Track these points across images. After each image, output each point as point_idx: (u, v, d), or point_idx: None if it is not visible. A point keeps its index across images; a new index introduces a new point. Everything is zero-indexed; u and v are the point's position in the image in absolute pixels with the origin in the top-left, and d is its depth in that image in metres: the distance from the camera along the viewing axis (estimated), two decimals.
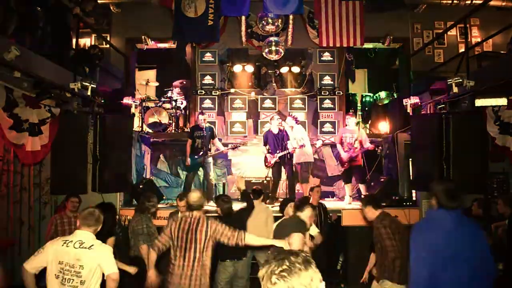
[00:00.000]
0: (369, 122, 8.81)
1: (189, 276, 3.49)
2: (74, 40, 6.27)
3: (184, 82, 8.95)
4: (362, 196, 5.74)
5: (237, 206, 5.54)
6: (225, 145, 7.69)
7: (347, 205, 6.89)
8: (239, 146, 7.56)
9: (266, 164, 7.19)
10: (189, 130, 7.46)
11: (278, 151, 6.98)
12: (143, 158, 7.60)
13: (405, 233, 3.67)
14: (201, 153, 6.89)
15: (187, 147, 7.02)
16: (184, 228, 3.58)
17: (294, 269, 1.35)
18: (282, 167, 7.13)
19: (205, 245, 3.53)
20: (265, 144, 7.23)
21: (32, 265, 3.05)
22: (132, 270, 4.13)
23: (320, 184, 6.25)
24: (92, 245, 3.02)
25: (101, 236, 4.29)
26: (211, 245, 3.58)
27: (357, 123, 8.66)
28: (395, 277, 3.79)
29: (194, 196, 3.71)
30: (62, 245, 3.01)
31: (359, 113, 8.83)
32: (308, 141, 7.17)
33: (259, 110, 8.56)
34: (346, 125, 7.35)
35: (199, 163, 6.99)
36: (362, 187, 7.06)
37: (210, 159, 7.06)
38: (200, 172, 7.47)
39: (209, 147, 7.05)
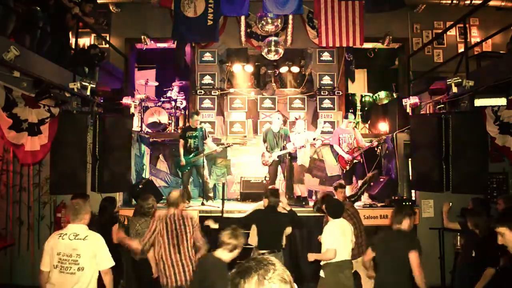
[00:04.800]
0: (369, 122, 8.82)
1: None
2: (73, 40, 6.26)
3: (184, 82, 8.95)
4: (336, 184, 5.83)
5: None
6: (219, 145, 7.70)
7: None
8: (232, 145, 7.57)
9: (263, 162, 7.15)
10: (181, 131, 7.46)
11: (276, 150, 6.96)
12: (142, 158, 7.59)
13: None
14: (195, 153, 6.94)
15: (179, 147, 7.06)
16: (172, 226, 4.03)
17: None
18: (279, 167, 7.10)
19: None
20: (264, 141, 7.18)
21: (44, 265, 3.35)
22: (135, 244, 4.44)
23: (343, 184, 6.09)
24: (87, 236, 3.35)
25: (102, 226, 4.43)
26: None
27: (356, 124, 8.68)
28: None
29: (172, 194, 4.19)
30: (58, 238, 3.33)
31: (358, 113, 8.83)
32: (309, 148, 7.15)
33: (258, 110, 8.56)
34: (341, 125, 7.37)
35: (192, 163, 7.01)
36: (360, 184, 7.07)
37: (201, 159, 7.05)
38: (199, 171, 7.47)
39: (203, 147, 7.09)
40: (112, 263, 3.43)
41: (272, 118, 7.34)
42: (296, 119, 7.59)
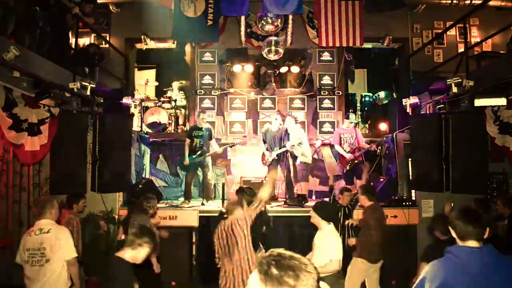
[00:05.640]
0: (369, 122, 8.81)
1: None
2: (73, 40, 6.26)
3: (183, 82, 8.95)
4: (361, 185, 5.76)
5: None
6: (222, 145, 7.72)
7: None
8: (235, 145, 7.59)
9: (264, 161, 7.20)
10: (188, 130, 7.46)
11: (276, 149, 6.98)
12: (142, 158, 7.59)
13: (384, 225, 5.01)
14: (199, 153, 6.92)
15: (185, 146, 7.05)
16: (222, 235, 3.82)
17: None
18: (279, 166, 7.13)
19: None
20: (264, 142, 7.23)
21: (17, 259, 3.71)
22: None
23: (349, 188, 6.20)
24: (50, 229, 3.62)
25: None
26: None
27: (356, 124, 8.68)
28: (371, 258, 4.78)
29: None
30: (27, 236, 3.64)
31: (358, 113, 8.83)
32: (307, 142, 7.13)
33: (258, 110, 8.55)
34: (342, 125, 7.38)
35: (197, 163, 7.01)
36: (359, 183, 7.06)
37: (209, 159, 7.08)
38: (200, 172, 7.47)
39: (208, 147, 7.08)
40: (75, 254, 3.66)
41: (270, 118, 7.37)
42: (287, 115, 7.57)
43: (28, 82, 4.75)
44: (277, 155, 6.97)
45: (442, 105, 6.09)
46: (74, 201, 5.11)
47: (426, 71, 7.55)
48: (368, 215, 4.93)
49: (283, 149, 6.89)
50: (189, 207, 6.76)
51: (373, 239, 4.79)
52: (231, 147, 7.51)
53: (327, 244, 3.91)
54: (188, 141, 7.06)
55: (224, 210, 3.98)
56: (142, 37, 8.15)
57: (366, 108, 8.84)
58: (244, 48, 8.51)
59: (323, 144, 8.14)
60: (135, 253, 3.04)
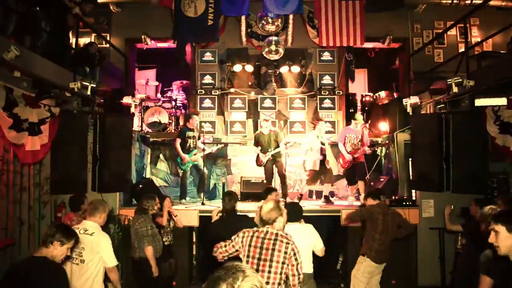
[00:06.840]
0: (369, 122, 8.81)
1: None
2: (74, 40, 6.27)
3: (184, 82, 8.96)
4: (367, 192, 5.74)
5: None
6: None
7: (350, 206, 6.87)
8: (224, 146, 7.85)
9: (258, 162, 7.27)
10: (180, 130, 7.47)
11: (270, 150, 7.07)
12: (142, 157, 7.60)
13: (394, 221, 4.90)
14: (191, 152, 7.06)
15: (177, 146, 7.05)
16: (257, 244, 3.13)
17: None
18: (274, 166, 7.18)
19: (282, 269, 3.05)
20: (255, 145, 7.30)
21: None
22: None
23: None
24: (94, 232, 3.69)
25: None
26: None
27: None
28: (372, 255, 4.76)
29: (265, 208, 3.24)
30: None
31: (358, 112, 8.82)
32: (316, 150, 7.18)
33: (259, 109, 8.55)
34: (350, 125, 7.40)
35: (193, 162, 7.09)
36: (361, 185, 7.06)
37: (199, 157, 7.16)
38: (194, 171, 7.54)
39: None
40: (115, 262, 3.74)
41: (261, 123, 7.49)
42: (320, 120, 7.63)
43: (28, 82, 4.75)
44: (271, 155, 7.06)
45: (443, 105, 6.09)
46: (81, 203, 5.10)
47: (427, 71, 7.54)
48: (367, 213, 4.93)
49: (277, 150, 7.07)
50: (186, 206, 6.78)
51: (375, 237, 4.77)
52: (221, 148, 7.73)
53: None
54: (178, 140, 7.08)
55: (264, 218, 3.21)
56: (142, 37, 8.15)
57: (366, 108, 8.84)
58: (245, 48, 8.51)
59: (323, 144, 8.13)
60: (50, 252, 2.90)
